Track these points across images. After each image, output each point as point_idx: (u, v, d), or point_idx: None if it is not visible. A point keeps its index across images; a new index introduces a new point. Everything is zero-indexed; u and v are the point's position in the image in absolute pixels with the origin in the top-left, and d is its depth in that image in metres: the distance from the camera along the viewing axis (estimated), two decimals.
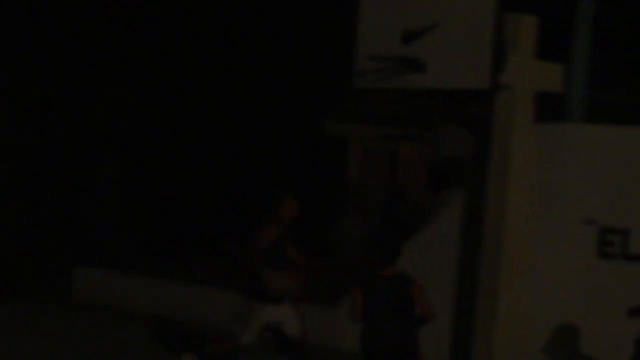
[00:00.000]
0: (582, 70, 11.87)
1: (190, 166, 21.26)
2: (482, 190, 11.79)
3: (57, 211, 20.41)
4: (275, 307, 10.79)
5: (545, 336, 11.60)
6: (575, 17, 11.91)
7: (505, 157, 11.47)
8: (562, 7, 11.90)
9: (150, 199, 21.01)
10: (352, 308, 8.79)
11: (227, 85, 20.93)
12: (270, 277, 10.63)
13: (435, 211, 13.05)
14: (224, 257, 18.25)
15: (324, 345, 13.12)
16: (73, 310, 15.35)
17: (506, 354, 11.50)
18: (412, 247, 12.16)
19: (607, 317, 11.24)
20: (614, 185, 11.31)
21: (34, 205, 20.11)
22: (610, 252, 11.31)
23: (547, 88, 11.73)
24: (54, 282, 17.28)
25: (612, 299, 11.22)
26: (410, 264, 10.42)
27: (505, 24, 11.15)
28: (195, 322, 14.61)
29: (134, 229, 20.50)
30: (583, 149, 11.52)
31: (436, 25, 11.32)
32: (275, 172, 20.99)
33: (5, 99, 19.82)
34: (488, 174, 11.66)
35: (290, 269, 10.74)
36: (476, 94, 11.65)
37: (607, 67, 13.85)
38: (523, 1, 11.30)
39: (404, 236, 11.00)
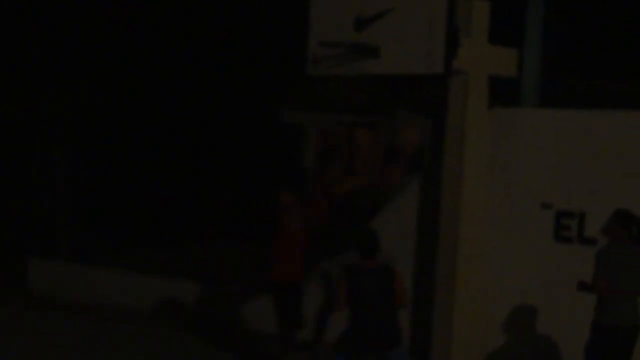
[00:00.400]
0: (535, 54, 11.89)
1: (148, 155, 21.12)
2: (437, 176, 11.78)
3: (11, 200, 20.24)
4: None
5: (504, 320, 11.62)
6: (528, 1, 11.92)
7: (460, 143, 11.46)
8: None
9: (108, 188, 20.86)
10: (337, 299, 9.16)
11: (182, 74, 20.80)
12: None
13: (392, 197, 13.03)
14: (180, 246, 18.16)
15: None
16: (29, 302, 15.23)
17: (466, 339, 11.50)
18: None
19: (564, 300, 11.27)
20: (568, 169, 11.33)
21: None
22: (567, 236, 11.34)
23: (502, 73, 11.72)
24: (8, 273, 17.11)
25: (569, 283, 11.24)
26: None
27: (458, 9, 11.14)
28: (153, 312, 14.56)
29: (91, 219, 20.33)
30: (537, 134, 11.53)
31: (389, 11, 11.28)
32: (233, 161, 20.91)
33: None
34: (443, 159, 11.65)
35: None
36: (430, 79, 11.64)
37: (562, 50, 13.87)
38: None
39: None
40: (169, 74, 20.69)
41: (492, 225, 11.61)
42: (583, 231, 11.20)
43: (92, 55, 20.13)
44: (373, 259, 9.19)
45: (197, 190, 21.04)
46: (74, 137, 20.37)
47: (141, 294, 14.98)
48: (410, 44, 11.23)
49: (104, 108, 20.56)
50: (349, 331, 9.18)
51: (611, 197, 10.98)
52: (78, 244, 18.98)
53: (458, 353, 11.48)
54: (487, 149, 11.64)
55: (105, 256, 16.99)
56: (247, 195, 19.96)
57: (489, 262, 11.65)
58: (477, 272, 11.59)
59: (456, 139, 11.51)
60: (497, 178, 11.69)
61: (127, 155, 21.08)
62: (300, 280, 11.61)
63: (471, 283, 11.55)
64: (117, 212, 20.47)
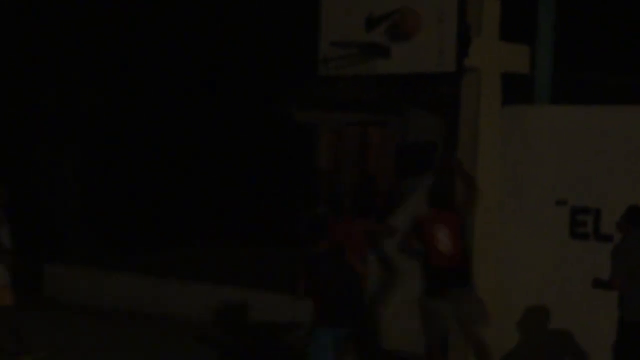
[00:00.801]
0: (547, 50, 11.83)
1: (155, 158, 21.10)
2: (451, 173, 11.74)
3: (18, 207, 20.23)
4: None
5: (520, 317, 11.57)
6: None
7: (474, 140, 11.42)
8: None
9: (111, 192, 20.85)
10: (297, 286, 9.74)
11: (192, 76, 20.77)
12: None
13: (406, 196, 12.99)
14: (187, 248, 18.15)
15: None
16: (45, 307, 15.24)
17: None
18: (383, 232, 12.09)
19: (580, 296, 11.22)
20: (583, 165, 11.27)
21: None
22: (582, 233, 11.28)
23: (514, 70, 11.68)
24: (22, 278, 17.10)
25: (585, 280, 11.19)
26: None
27: (469, 7, 11.09)
28: (166, 315, 14.55)
29: (96, 223, 20.33)
30: (551, 130, 11.48)
31: (400, 10, 11.24)
32: (244, 162, 20.88)
33: None
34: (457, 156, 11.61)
35: None
36: (442, 78, 11.60)
37: (575, 46, 13.83)
38: None
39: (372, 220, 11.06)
40: (177, 75, 20.67)
41: (506, 222, 11.56)
42: (599, 227, 11.14)
43: (97, 56, 20.12)
44: (322, 243, 9.57)
45: (204, 191, 21.01)
46: (77, 139, 20.38)
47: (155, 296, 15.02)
48: (421, 42, 11.20)
49: (109, 110, 20.55)
50: (319, 312, 9.59)
51: (626, 192, 10.93)
52: (87, 247, 19.00)
53: None
54: (501, 147, 11.60)
55: (118, 260, 16.98)
56: (257, 197, 19.94)
57: (504, 259, 11.60)
58: (492, 270, 11.55)
59: (469, 136, 11.47)
60: (511, 175, 11.64)
61: (133, 158, 21.07)
62: None
63: (487, 281, 11.51)
64: (125, 214, 20.47)
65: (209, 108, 21.03)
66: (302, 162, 19.74)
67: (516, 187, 11.65)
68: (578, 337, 11.17)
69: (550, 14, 11.82)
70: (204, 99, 21.00)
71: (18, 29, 19.97)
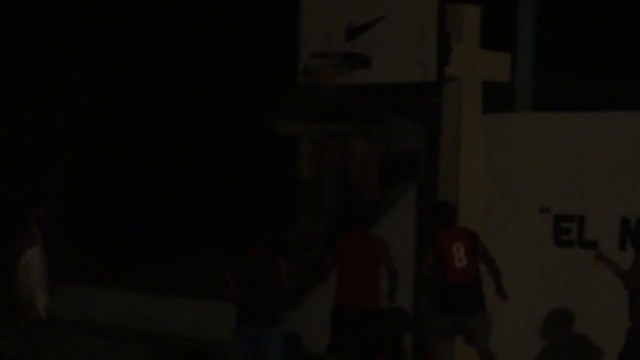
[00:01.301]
0: (528, 58, 11.81)
1: (140, 172, 21.00)
2: (434, 183, 11.70)
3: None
4: None
5: (507, 325, 11.52)
6: (518, 4, 11.84)
7: (456, 149, 11.39)
8: None
9: (95, 206, 20.75)
10: (226, 288, 10.34)
11: (174, 87, 20.70)
12: None
13: (389, 206, 12.95)
14: (171, 262, 18.06)
15: None
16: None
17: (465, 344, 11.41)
18: None
19: (566, 303, 11.19)
20: (566, 172, 11.25)
21: None
22: (566, 240, 11.25)
23: (495, 78, 11.66)
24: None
25: (570, 287, 11.16)
26: None
27: (449, 15, 11.05)
28: (157, 332, 14.47)
29: (87, 237, 20.21)
30: (533, 138, 11.46)
31: (379, 20, 11.20)
32: (226, 174, 20.80)
33: None
34: (439, 166, 11.58)
35: None
36: (423, 87, 11.56)
37: (555, 52, 13.82)
38: None
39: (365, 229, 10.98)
40: (158, 89, 20.59)
41: (490, 231, 11.52)
42: (583, 234, 11.11)
43: (89, 65, 20.04)
44: (254, 248, 10.30)
45: (190, 205, 20.93)
46: (69, 150, 20.25)
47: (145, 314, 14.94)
48: (402, 52, 11.15)
49: (90, 125, 20.45)
50: (238, 309, 10.33)
51: (610, 199, 10.91)
52: (78, 263, 18.85)
53: (462, 359, 11.39)
54: (483, 155, 11.57)
55: (109, 275, 16.88)
56: (240, 209, 19.86)
57: None
58: None
59: (451, 145, 11.44)
60: (494, 183, 11.61)
61: (120, 171, 20.97)
62: None
63: None
64: (112, 229, 20.36)
65: (191, 120, 20.96)
66: (284, 173, 19.68)
67: (499, 196, 11.61)
68: (565, 342, 11.14)
69: (530, 20, 11.80)
70: (186, 112, 20.93)
71: (17, 34, 19.87)
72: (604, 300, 10.78)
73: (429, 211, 10.76)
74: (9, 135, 20.25)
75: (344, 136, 18.31)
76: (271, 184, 20.02)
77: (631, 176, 10.87)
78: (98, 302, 15.43)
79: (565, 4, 14.71)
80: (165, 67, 20.59)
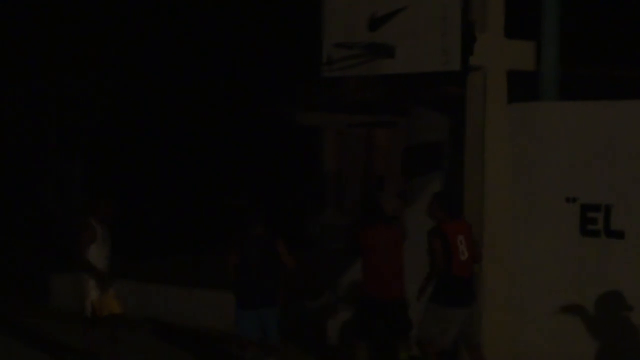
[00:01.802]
0: (553, 46, 11.70)
1: (159, 164, 21.02)
2: (459, 174, 11.64)
3: (23, 214, 20.20)
4: None
5: (534, 317, 11.45)
6: None
7: (480, 139, 11.31)
8: None
9: (117, 200, 20.78)
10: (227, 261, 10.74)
11: (195, 81, 20.70)
12: None
13: (414, 197, 12.89)
14: (193, 255, 18.05)
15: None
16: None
17: (495, 336, 11.35)
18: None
19: (592, 295, 11.10)
20: (592, 162, 11.15)
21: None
22: (593, 230, 11.16)
23: (520, 67, 11.57)
24: (28, 288, 17.01)
25: (596, 277, 11.08)
26: None
27: (473, 4, 10.99)
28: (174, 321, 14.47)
29: None
30: (559, 127, 11.36)
31: (403, 9, 11.14)
32: (249, 165, 20.79)
33: None
34: (464, 156, 11.51)
35: None
36: (447, 76, 11.50)
37: (581, 41, 13.69)
38: None
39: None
40: (179, 80, 20.59)
41: (516, 221, 11.45)
42: (610, 224, 11.01)
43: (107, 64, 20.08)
44: (260, 227, 10.72)
45: (208, 195, 20.92)
46: (83, 148, 20.32)
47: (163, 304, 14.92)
48: (426, 41, 11.10)
49: (112, 121, 20.51)
50: (239, 291, 10.78)
51: (636, 188, 10.82)
52: None
53: (488, 352, 11.31)
54: (508, 144, 11.49)
55: (124, 267, 16.86)
56: (263, 200, 19.84)
57: (514, 259, 11.48)
58: (503, 270, 11.44)
59: (476, 135, 11.37)
60: (519, 173, 11.53)
61: (135, 165, 20.99)
62: None
63: (498, 281, 11.40)
64: (131, 222, 20.38)
65: (212, 112, 20.95)
66: (308, 164, 19.66)
67: (525, 186, 11.53)
68: (591, 335, 11.05)
69: (555, 9, 11.69)
70: (207, 104, 20.92)
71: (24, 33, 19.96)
72: (631, 291, 10.70)
73: (432, 202, 10.60)
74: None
75: (367, 127, 18.29)
76: (294, 175, 20.00)
77: None
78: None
79: None
80: (186, 62, 20.61)
